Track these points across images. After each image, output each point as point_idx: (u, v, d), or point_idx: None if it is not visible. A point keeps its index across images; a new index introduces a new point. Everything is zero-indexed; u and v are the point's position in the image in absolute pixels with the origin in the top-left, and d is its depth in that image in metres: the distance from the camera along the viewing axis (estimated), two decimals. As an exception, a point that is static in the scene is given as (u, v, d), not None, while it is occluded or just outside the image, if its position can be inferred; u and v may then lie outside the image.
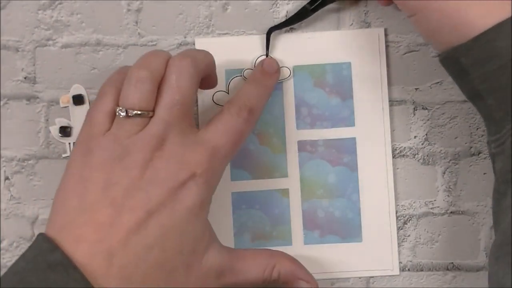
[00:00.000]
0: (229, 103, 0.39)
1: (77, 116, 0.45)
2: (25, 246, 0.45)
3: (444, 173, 0.45)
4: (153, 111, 0.36)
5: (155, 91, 0.36)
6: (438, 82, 0.46)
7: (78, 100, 0.45)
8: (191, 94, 0.37)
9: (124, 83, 0.37)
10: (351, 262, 0.45)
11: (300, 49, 0.45)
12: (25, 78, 0.46)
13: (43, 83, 0.46)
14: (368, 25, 0.46)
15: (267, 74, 0.43)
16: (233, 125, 0.38)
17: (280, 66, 0.45)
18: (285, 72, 0.45)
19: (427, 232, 0.45)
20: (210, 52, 0.40)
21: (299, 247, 0.45)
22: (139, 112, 0.36)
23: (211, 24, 0.46)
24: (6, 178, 0.45)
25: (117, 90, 0.37)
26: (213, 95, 0.45)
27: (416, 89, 0.46)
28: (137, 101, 0.36)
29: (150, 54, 0.38)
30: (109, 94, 0.37)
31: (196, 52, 0.40)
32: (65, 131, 0.45)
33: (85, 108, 0.45)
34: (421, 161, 0.45)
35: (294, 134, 0.45)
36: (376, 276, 0.45)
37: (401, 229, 0.45)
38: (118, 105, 0.36)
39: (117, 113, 0.36)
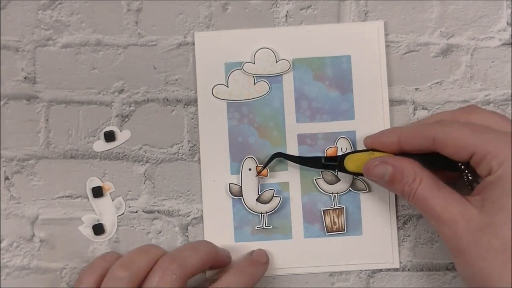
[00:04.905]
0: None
1: (102, 209, 0.45)
2: (24, 246, 0.45)
3: (444, 173, 0.45)
4: None
5: None
6: (438, 82, 0.46)
7: (97, 192, 0.45)
8: None
9: (105, 277, 0.38)
10: (351, 255, 0.45)
11: (299, 41, 0.45)
12: (25, 78, 0.46)
13: (43, 83, 0.46)
14: (368, 20, 0.46)
15: (256, 263, 0.42)
16: None
17: (280, 58, 0.45)
18: (285, 65, 0.45)
19: (427, 232, 0.45)
20: (209, 243, 0.42)
21: (299, 241, 0.45)
22: None
23: (211, 24, 0.46)
24: (6, 178, 0.45)
25: (96, 281, 0.39)
26: (212, 89, 0.45)
27: (416, 89, 0.46)
28: None
29: (137, 252, 0.39)
30: (85, 283, 0.39)
31: (189, 255, 0.39)
32: (98, 228, 0.45)
33: (107, 200, 0.45)
34: (421, 161, 0.45)
35: (294, 128, 0.45)
36: (376, 275, 0.45)
37: (401, 229, 0.45)
38: None
39: None
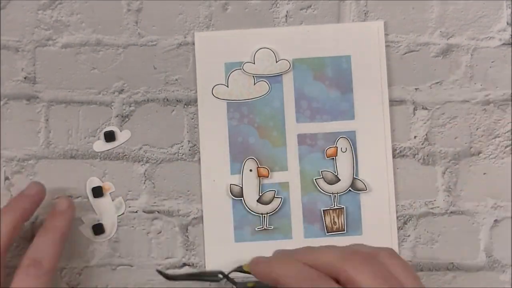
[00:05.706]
0: (22, 260, 0.39)
1: (102, 209, 0.45)
2: (25, 246, 0.45)
3: (444, 173, 0.45)
4: None
5: None
6: (438, 82, 0.46)
7: (97, 192, 0.45)
8: None
9: None
10: None
11: (300, 42, 0.45)
12: (25, 78, 0.46)
13: (43, 83, 0.46)
14: (368, 20, 0.46)
15: (57, 214, 0.42)
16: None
17: (280, 58, 0.45)
18: (285, 65, 0.45)
19: (427, 232, 0.45)
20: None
21: (299, 241, 0.45)
22: None
23: (211, 24, 0.46)
24: (6, 178, 0.45)
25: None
26: (212, 89, 0.45)
27: (416, 89, 0.46)
28: None
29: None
30: None
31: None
32: (98, 228, 0.45)
33: (107, 200, 0.45)
34: (421, 161, 0.45)
35: (294, 128, 0.45)
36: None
37: (401, 229, 0.45)
38: None
39: None
